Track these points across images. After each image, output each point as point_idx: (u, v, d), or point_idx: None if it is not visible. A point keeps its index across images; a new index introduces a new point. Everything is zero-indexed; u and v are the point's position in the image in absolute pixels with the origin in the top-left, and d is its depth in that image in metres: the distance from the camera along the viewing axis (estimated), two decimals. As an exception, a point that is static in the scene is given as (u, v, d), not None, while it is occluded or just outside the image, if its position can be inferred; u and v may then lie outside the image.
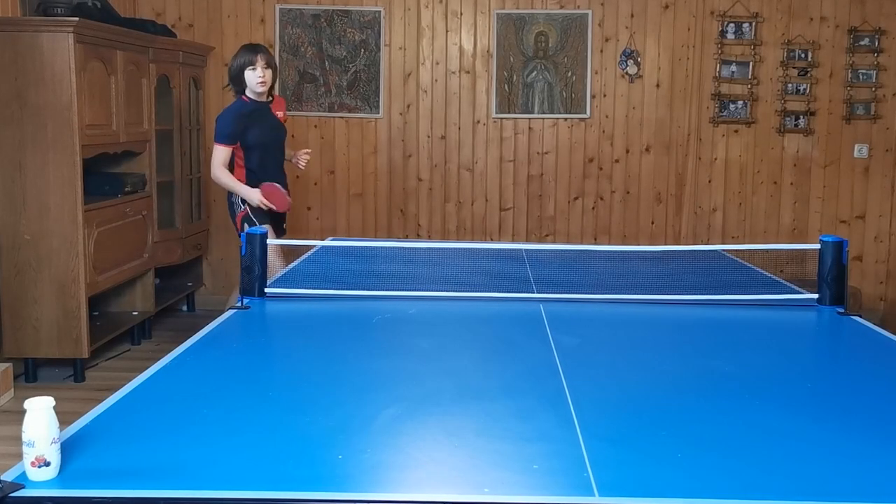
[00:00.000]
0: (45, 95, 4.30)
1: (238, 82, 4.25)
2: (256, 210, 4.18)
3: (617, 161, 6.01)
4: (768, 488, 1.48)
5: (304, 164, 4.44)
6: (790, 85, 5.88)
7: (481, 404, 1.89)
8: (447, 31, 5.93)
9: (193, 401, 1.91)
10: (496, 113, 5.96)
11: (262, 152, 4.25)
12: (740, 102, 5.91)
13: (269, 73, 4.23)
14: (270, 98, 4.36)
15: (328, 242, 3.87)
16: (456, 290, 2.97)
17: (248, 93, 4.25)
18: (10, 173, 4.35)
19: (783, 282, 3.30)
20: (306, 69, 5.96)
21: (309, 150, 4.49)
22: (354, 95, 5.97)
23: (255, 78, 4.19)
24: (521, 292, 3.00)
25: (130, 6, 5.79)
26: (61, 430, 1.52)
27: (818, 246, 2.92)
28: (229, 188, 4.22)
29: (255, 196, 4.14)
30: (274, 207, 4.16)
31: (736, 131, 5.96)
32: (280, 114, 4.41)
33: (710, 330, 2.72)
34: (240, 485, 1.47)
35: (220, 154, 4.18)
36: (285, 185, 4.28)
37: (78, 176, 4.36)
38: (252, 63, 4.19)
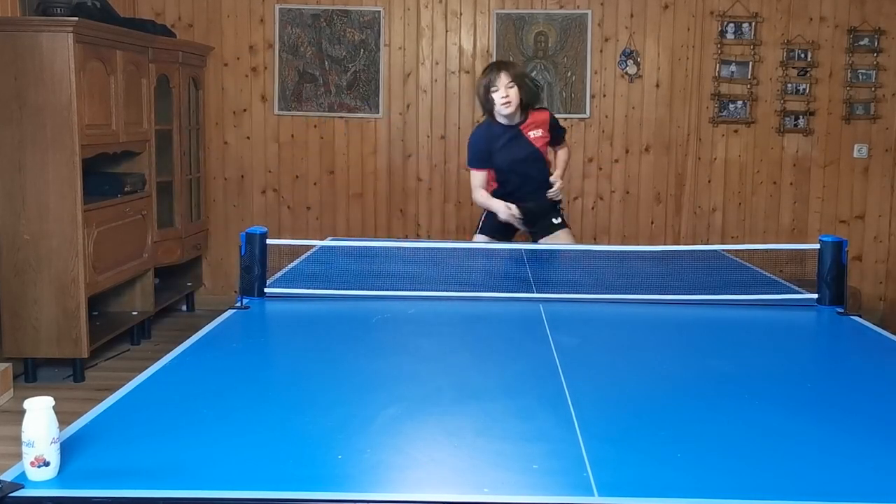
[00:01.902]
0: (45, 95, 4.30)
1: (486, 102, 3.98)
2: (486, 221, 4.17)
3: (616, 161, 6.01)
4: (768, 488, 1.48)
5: (552, 194, 4.07)
6: (790, 85, 5.88)
7: (481, 404, 1.89)
8: (447, 31, 5.93)
9: (193, 401, 1.91)
10: (496, 113, 5.96)
11: (511, 176, 4.07)
12: (740, 102, 5.91)
13: (514, 91, 3.90)
14: (523, 118, 4.02)
15: (328, 242, 3.87)
16: (456, 290, 2.97)
17: (496, 114, 4.00)
18: (9, 173, 4.35)
19: (783, 282, 3.30)
20: (306, 69, 5.96)
21: (558, 185, 4.06)
22: (354, 95, 5.97)
23: (499, 100, 3.90)
24: (521, 292, 3.00)
25: (130, 6, 5.79)
26: (61, 430, 1.52)
27: (818, 246, 2.91)
28: (487, 208, 4.12)
29: (501, 208, 4.01)
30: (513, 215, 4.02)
31: (735, 131, 5.96)
32: (538, 132, 4.04)
33: (710, 330, 2.71)
34: (239, 485, 1.47)
35: (474, 179, 4.09)
36: (543, 204, 4.08)
37: (77, 176, 4.36)
38: (494, 83, 3.90)
